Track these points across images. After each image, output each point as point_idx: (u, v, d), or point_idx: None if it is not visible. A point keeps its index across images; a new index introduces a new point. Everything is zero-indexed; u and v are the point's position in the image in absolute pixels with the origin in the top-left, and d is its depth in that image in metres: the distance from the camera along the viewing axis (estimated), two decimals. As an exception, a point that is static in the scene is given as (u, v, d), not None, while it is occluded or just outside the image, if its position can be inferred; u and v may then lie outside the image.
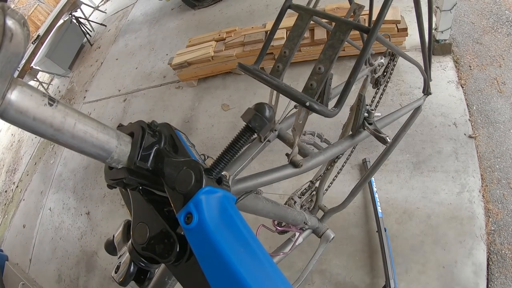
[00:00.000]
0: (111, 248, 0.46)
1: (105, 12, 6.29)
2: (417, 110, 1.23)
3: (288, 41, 0.56)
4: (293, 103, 0.65)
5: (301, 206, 1.21)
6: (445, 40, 2.20)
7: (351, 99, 0.76)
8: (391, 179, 1.94)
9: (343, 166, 1.34)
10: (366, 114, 0.71)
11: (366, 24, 0.76)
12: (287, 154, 0.65)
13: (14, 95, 0.27)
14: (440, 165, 1.88)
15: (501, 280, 1.51)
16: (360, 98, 0.73)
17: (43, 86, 5.23)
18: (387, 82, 1.14)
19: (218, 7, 4.11)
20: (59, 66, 5.12)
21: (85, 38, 5.55)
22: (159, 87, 3.62)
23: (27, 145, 4.69)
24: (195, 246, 0.34)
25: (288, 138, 0.81)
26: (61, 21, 5.16)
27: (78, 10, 5.40)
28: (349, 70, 0.48)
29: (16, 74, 0.28)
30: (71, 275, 2.82)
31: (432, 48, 0.94)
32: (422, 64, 0.89)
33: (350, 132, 0.86)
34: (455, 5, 1.99)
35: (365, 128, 0.78)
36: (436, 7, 2.08)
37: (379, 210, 1.80)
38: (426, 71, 0.92)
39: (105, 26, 5.75)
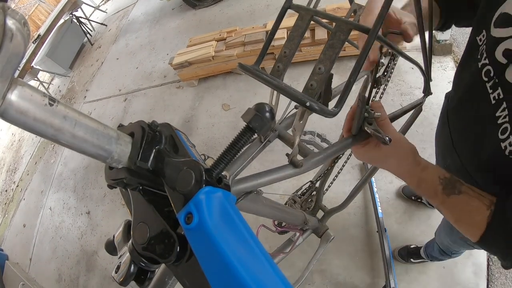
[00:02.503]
0: (111, 248, 0.46)
1: (106, 12, 6.30)
2: (417, 110, 1.22)
3: (289, 41, 0.55)
4: (293, 103, 0.65)
5: (301, 206, 1.21)
6: (445, 40, 2.19)
7: (351, 99, 0.76)
8: (391, 179, 1.94)
9: (343, 166, 1.34)
10: (366, 114, 0.71)
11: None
12: (287, 154, 0.65)
13: (14, 95, 0.27)
14: (441, 165, 1.88)
15: (501, 280, 1.51)
16: (360, 98, 0.73)
17: (43, 86, 5.24)
18: (388, 82, 1.14)
19: (219, 7, 4.11)
20: (60, 65, 5.13)
21: (86, 38, 5.56)
22: (160, 87, 3.62)
23: (27, 145, 4.69)
24: (195, 246, 0.34)
25: (288, 138, 0.80)
26: (61, 21, 5.16)
27: (79, 9, 5.41)
28: (349, 70, 0.48)
29: (16, 73, 0.28)
30: (71, 274, 2.82)
31: (433, 48, 0.94)
32: (422, 64, 0.89)
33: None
34: (455, 5, 1.99)
35: (365, 128, 0.78)
36: (436, 7, 2.08)
37: (379, 210, 1.80)
38: (426, 71, 0.91)
39: (106, 25, 5.76)
